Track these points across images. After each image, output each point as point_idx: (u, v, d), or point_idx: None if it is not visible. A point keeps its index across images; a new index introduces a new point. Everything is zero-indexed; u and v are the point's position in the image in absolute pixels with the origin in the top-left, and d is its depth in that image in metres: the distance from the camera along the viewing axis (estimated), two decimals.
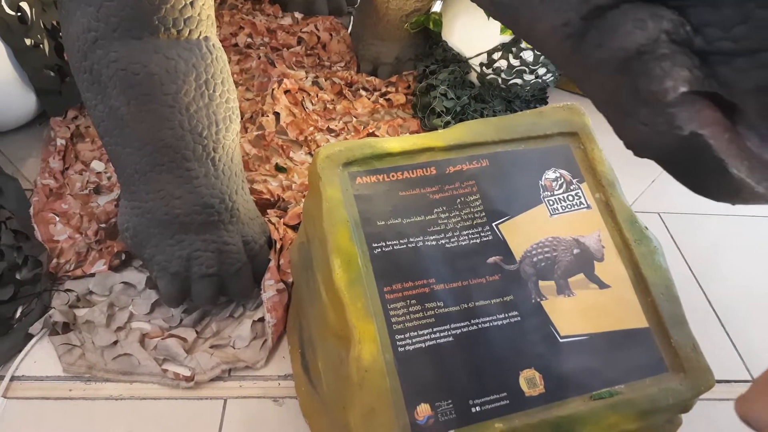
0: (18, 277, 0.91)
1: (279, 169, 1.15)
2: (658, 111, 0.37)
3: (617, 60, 0.37)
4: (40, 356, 0.85)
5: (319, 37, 1.53)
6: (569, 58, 0.40)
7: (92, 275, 0.94)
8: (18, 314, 0.88)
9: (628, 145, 0.41)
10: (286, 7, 1.62)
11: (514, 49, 1.29)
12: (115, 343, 0.86)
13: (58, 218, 1.01)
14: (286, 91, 1.30)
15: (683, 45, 0.35)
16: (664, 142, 0.38)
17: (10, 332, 0.86)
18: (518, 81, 1.34)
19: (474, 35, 1.33)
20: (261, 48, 1.46)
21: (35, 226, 0.98)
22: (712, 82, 0.35)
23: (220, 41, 0.84)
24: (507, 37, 1.28)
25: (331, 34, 1.54)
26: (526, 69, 1.31)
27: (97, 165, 1.12)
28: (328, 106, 1.34)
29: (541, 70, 1.33)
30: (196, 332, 0.89)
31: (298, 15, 1.59)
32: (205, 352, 0.86)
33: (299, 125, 1.25)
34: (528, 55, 1.30)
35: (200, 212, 0.83)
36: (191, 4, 0.75)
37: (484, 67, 1.33)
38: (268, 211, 1.03)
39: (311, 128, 1.26)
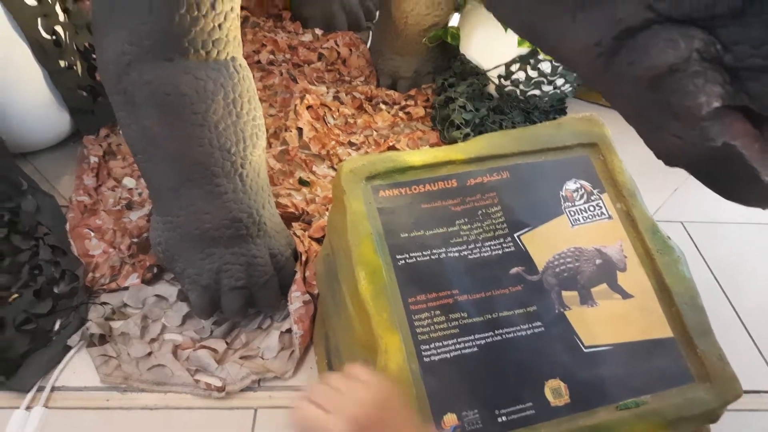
0: (56, 291, 0.95)
1: (302, 183, 1.18)
2: (691, 124, 0.39)
3: (649, 77, 0.39)
4: (78, 367, 0.88)
5: (339, 53, 1.56)
6: (599, 74, 0.42)
7: (126, 288, 0.98)
8: (57, 327, 0.91)
9: (658, 155, 0.43)
10: (307, 24, 1.66)
11: (531, 61, 1.30)
12: (149, 354, 0.89)
13: (92, 234, 1.05)
14: (309, 107, 1.33)
15: (714, 62, 0.37)
16: (697, 152, 0.40)
17: (49, 344, 0.89)
18: (537, 92, 1.35)
19: (492, 48, 1.34)
20: (283, 64, 1.50)
21: (71, 242, 1.02)
22: (743, 96, 0.37)
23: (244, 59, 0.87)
24: (525, 49, 1.30)
25: (350, 50, 1.57)
26: (545, 80, 1.32)
27: (129, 182, 1.16)
28: (349, 120, 1.37)
29: (560, 81, 1.34)
30: (227, 343, 0.92)
31: (318, 31, 1.63)
32: (235, 363, 0.88)
33: (321, 140, 1.28)
34: (546, 66, 1.31)
35: (229, 226, 0.86)
36: (219, 26, 0.78)
37: (502, 79, 1.35)
38: (293, 224, 1.06)
39: (333, 142, 1.29)
